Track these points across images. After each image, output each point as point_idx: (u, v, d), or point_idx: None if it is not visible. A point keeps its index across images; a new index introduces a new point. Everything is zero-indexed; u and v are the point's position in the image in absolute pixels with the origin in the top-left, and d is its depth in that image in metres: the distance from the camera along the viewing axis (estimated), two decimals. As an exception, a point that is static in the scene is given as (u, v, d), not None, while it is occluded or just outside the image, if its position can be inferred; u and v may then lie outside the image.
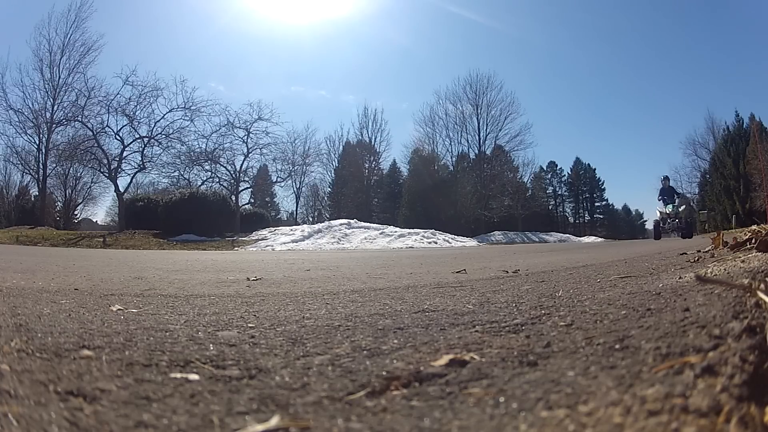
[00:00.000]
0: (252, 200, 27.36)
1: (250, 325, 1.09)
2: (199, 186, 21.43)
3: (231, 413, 0.47)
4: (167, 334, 0.94)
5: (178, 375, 0.60)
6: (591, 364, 0.53)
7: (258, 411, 0.48)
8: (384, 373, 0.60)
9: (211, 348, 0.79)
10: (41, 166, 22.97)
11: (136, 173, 21.58)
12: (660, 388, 0.42)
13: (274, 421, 0.44)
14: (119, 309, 1.34)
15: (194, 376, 0.60)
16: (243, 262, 4.84)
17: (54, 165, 22.84)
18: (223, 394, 0.54)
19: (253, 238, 15.11)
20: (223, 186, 22.42)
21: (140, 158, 21.11)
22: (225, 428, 0.43)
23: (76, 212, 30.35)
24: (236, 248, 12.30)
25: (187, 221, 15.78)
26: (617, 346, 0.57)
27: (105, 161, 20.59)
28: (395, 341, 0.77)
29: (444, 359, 0.63)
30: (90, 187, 28.76)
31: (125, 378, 0.58)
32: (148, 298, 1.65)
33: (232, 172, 22.64)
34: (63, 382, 0.54)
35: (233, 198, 21.56)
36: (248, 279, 2.65)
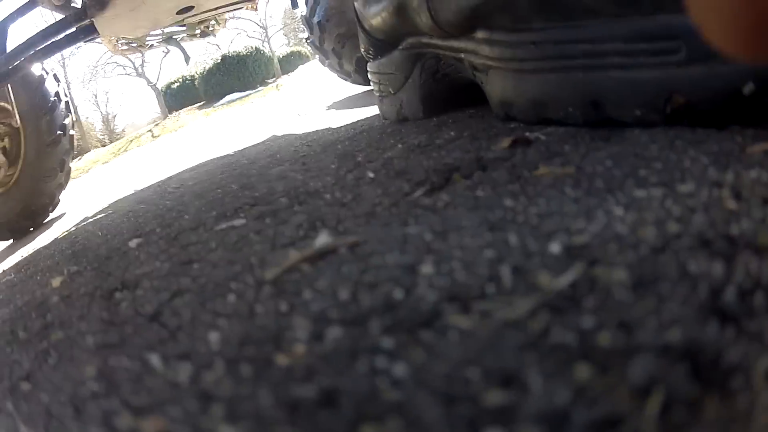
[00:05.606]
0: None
1: (301, 154, 1.03)
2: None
3: (275, 248, 0.41)
4: (219, 192, 0.90)
5: (224, 225, 0.55)
6: (675, 138, 0.39)
7: (305, 237, 0.41)
8: (441, 165, 0.50)
9: (261, 187, 0.73)
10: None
11: (162, 59, 21.16)
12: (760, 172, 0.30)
13: (318, 242, 0.37)
14: (175, 188, 1.33)
15: (240, 221, 0.55)
16: (289, 98, 4.77)
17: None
18: (267, 230, 0.47)
19: (295, 74, 14.75)
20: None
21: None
22: (265, 265, 0.37)
23: (116, 124, 30.99)
24: (279, 89, 12.14)
25: (227, 82, 15.57)
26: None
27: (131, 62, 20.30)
28: (451, 133, 0.66)
29: (506, 142, 0.51)
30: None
31: (171, 249, 0.54)
32: (199, 173, 1.64)
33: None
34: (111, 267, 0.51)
35: (266, 44, 20.70)
36: (298, 115, 2.58)
